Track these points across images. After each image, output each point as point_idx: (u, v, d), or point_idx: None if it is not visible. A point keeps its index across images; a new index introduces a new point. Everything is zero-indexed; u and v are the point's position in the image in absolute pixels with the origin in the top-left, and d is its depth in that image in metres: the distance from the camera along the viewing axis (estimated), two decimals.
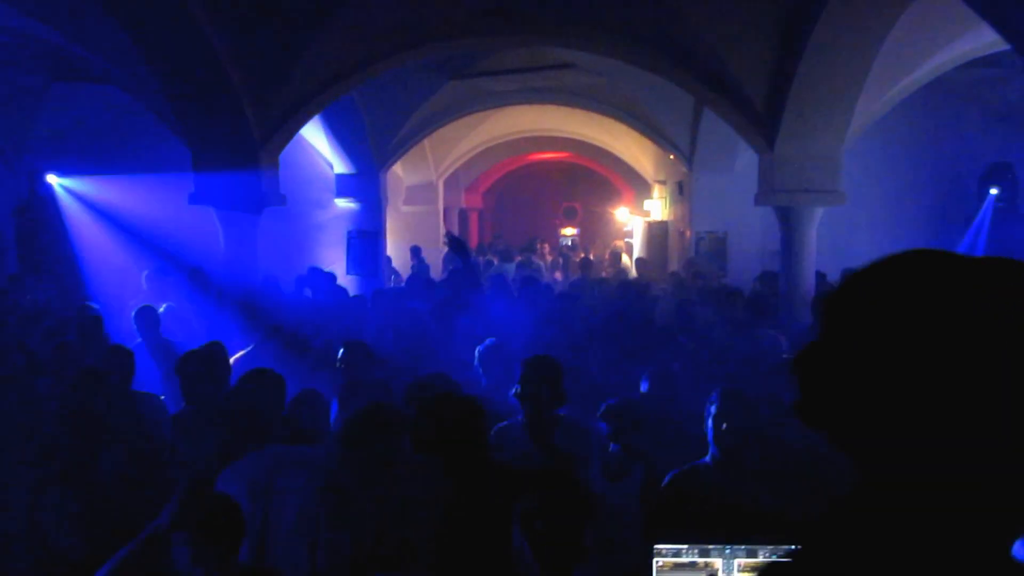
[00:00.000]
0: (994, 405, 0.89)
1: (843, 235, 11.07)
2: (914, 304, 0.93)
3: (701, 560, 2.32)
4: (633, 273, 11.86)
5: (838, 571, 0.94)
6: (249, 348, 6.11)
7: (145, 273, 8.89)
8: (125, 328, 6.89)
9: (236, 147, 7.56)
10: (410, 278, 10.37)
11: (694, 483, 3.40)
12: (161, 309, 7.12)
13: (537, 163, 23.55)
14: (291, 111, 7.66)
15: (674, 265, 12.96)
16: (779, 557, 2.23)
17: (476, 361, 5.07)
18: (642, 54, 7.31)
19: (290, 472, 3.41)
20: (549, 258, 16.42)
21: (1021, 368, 0.88)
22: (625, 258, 14.32)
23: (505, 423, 4.02)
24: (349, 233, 12.66)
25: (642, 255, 14.56)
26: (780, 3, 6.33)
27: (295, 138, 8.23)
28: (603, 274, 12.47)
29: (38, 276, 10.36)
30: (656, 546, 2.32)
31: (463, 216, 20.92)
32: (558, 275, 14.13)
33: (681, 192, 13.04)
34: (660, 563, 2.33)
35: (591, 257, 16.12)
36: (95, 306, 7.29)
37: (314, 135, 11.78)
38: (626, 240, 18.62)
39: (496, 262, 13.26)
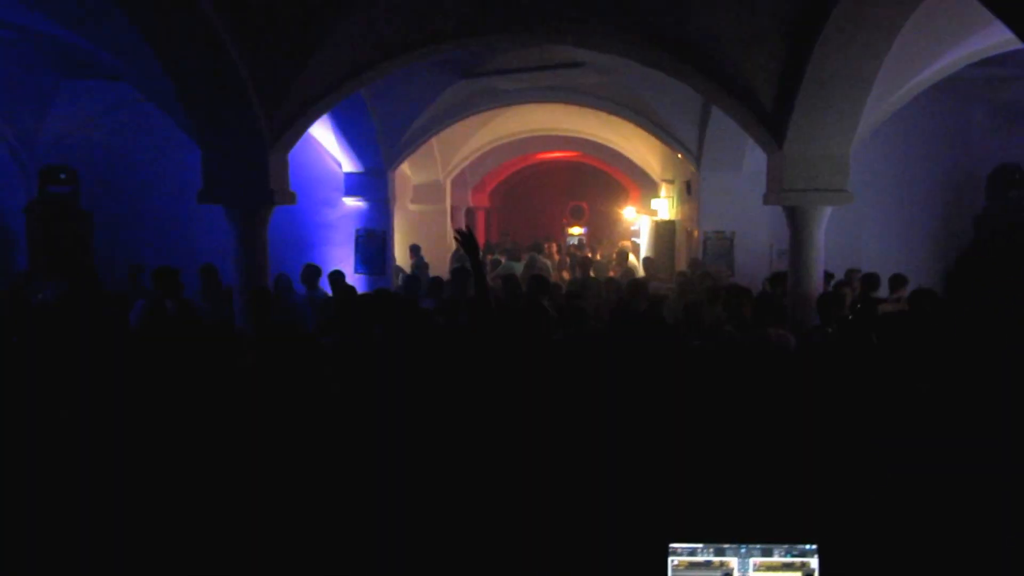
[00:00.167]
0: None
1: (851, 235, 11.08)
2: None
3: (716, 559, 2.33)
4: (640, 272, 11.86)
5: None
6: None
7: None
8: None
9: (246, 145, 7.59)
10: (407, 278, 10.36)
11: None
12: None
13: (544, 162, 23.56)
14: (301, 109, 7.68)
15: (682, 264, 12.96)
16: (795, 556, 2.24)
17: None
18: (652, 53, 7.30)
19: None
20: (556, 257, 16.41)
21: None
22: (632, 257, 14.30)
23: None
24: (357, 231, 12.71)
25: (649, 254, 14.56)
26: (790, 2, 6.33)
27: (304, 136, 8.25)
28: (610, 273, 12.46)
29: (48, 274, 10.40)
30: (671, 545, 2.33)
31: (470, 215, 20.93)
32: (565, 274, 14.13)
33: (689, 191, 13.04)
34: (675, 562, 2.34)
35: (594, 256, 16.15)
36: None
37: (323, 134, 11.81)
38: (633, 239, 18.62)
39: (503, 261, 13.27)
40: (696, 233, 12.45)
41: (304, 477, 3.42)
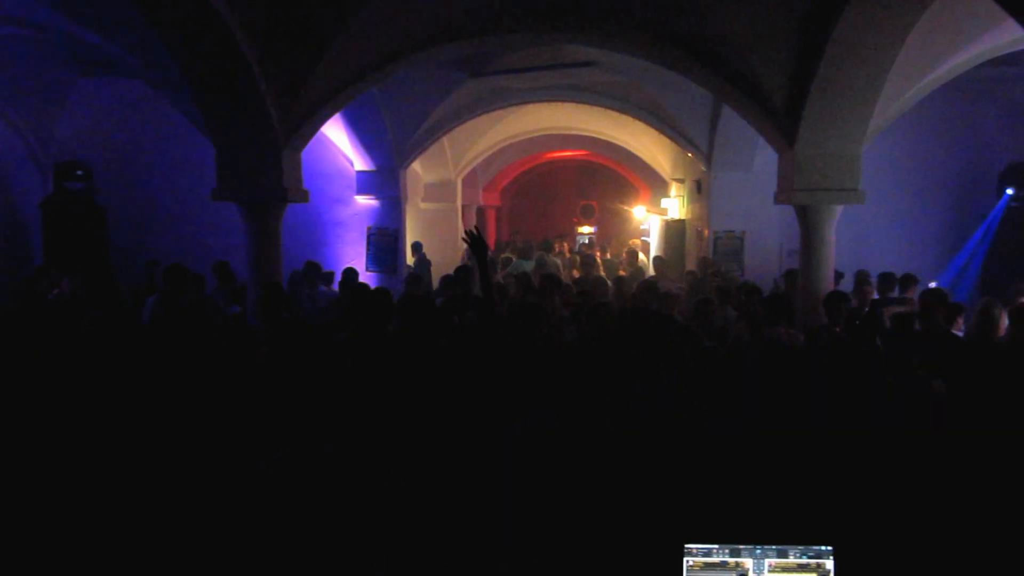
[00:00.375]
0: None
1: (862, 234, 11.07)
2: None
3: (732, 560, 2.36)
4: (651, 272, 11.86)
5: None
6: None
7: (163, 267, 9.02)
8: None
9: (259, 143, 7.64)
10: (410, 276, 10.38)
11: None
12: None
13: (555, 161, 23.55)
14: (314, 108, 7.72)
15: (692, 264, 12.95)
16: (810, 558, 2.27)
17: None
18: (664, 52, 7.31)
19: None
20: (568, 256, 16.40)
21: None
22: (642, 256, 14.30)
23: None
24: (369, 229, 12.75)
25: (659, 253, 14.55)
26: (802, 2, 6.33)
27: (316, 135, 8.29)
28: (620, 272, 12.45)
29: (64, 269, 10.47)
30: (687, 545, 2.36)
31: (481, 214, 20.95)
32: (576, 273, 14.13)
33: (699, 190, 13.02)
34: (691, 563, 2.37)
35: (604, 255, 16.13)
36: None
37: (335, 132, 11.86)
38: (643, 238, 18.60)
39: (515, 259, 13.28)
40: (706, 232, 12.45)
41: (313, 471, 3.46)
